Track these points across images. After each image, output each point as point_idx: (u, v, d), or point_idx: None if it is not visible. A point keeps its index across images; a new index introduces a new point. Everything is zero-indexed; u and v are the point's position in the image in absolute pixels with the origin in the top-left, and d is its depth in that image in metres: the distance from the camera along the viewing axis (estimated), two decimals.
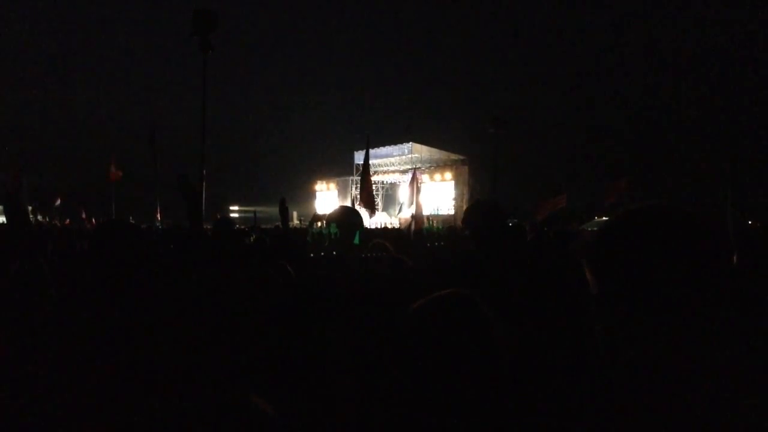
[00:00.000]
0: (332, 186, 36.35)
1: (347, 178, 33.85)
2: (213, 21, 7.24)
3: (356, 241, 2.59)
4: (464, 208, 26.91)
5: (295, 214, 30.60)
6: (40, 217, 18.43)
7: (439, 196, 29.14)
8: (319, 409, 1.74)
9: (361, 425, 1.54)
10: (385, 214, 28.61)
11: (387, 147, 32.50)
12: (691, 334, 0.76)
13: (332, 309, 2.08)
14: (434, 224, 12.55)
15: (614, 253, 0.84)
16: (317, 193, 37.25)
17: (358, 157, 29.50)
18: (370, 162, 9.74)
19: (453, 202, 27.84)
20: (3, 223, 6.95)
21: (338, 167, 37.22)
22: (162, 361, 1.72)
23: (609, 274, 0.84)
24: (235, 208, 38.76)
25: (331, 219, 2.68)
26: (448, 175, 30.04)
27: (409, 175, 13.60)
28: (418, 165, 30.76)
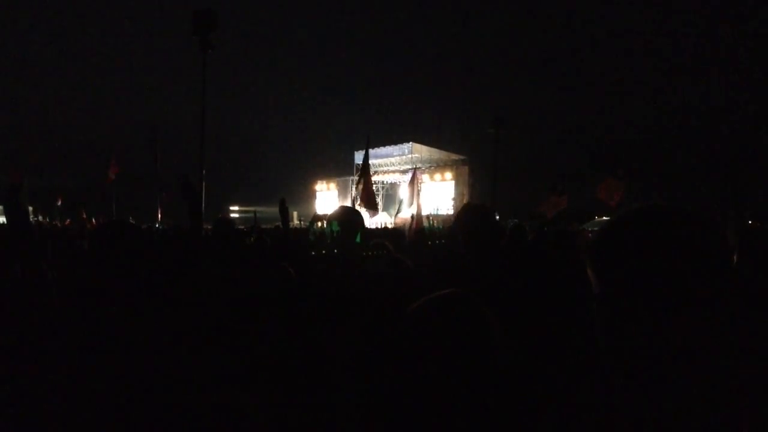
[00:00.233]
0: (332, 186, 36.34)
1: (347, 178, 33.84)
2: (213, 21, 7.24)
3: (357, 239, 2.59)
4: None
5: (295, 214, 30.59)
6: (40, 218, 18.43)
7: (439, 196, 29.15)
8: (319, 409, 1.74)
9: (361, 425, 1.54)
10: (385, 214, 28.61)
11: (387, 147, 32.49)
12: (691, 333, 0.77)
13: (332, 310, 2.08)
14: (434, 223, 12.55)
15: (615, 253, 0.84)
16: (317, 193, 37.25)
17: (359, 157, 29.49)
18: (370, 162, 9.73)
19: (452, 202, 27.83)
20: (3, 224, 6.95)
21: (338, 167, 37.24)
22: (162, 361, 1.72)
23: (610, 274, 0.84)
24: (235, 208, 38.75)
25: (332, 219, 2.68)
26: (449, 175, 30.05)
27: (409, 175, 13.58)
28: (418, 165, 30.76)
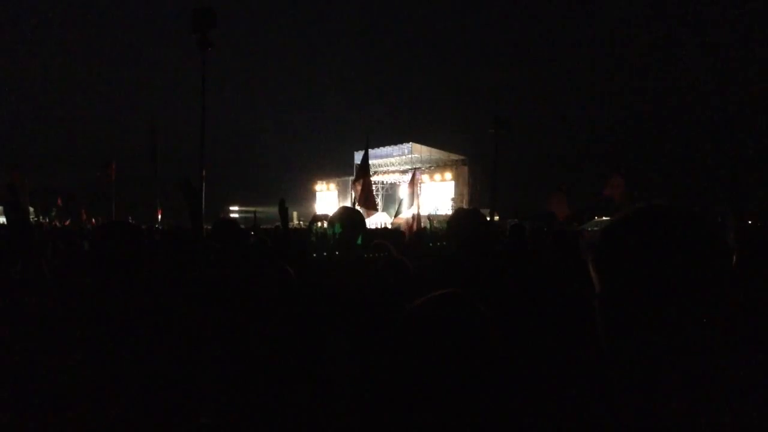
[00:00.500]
0: (332, 186, 36.37)
1: (347, 178, 33.88)
2: (212, 19, 7.24)
3: (358, 241, 2.59)
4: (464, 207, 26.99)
5: (295, 214, 30.63)
6: (40, 218, 18.43)
7: (439, 196, 29.17)
8: (319, 409, 1.74)
9: (361, 425, 1.54)
10: (385, 214, 28.63)
11: (387, 147, 32.52)
12: (692, 333, 0.77)
13: (332, 309, 2.08)
14: (434, 223, 12.56)
15: (618, 252, 0.84)
16: (317, 194, 37.28)
17: (358, 157, 29.54)
18: (370, 162, 9.73)
19: (452, 202, 27.83)
20: (3, 224, 6.95)
21: (338, 167, 37.29)
22: (162, 361, 1.72)
23: (612, 273, 0.84)
24: (235, 208, 38.76)
25: (334, 220, 2.68)
26: (448, 175, 30.07)
27: (409, 175, 13.57)
28: (418, 165, 30.78)
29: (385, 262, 2.44)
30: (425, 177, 30.30)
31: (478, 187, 28.99)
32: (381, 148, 31.88)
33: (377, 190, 32.94)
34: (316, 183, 37.81)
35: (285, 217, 3.16)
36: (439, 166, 31.55)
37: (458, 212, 2.83)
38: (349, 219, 2.65)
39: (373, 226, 16.77)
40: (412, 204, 11.50)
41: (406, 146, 31.69)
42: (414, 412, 1.09)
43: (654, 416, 0.78)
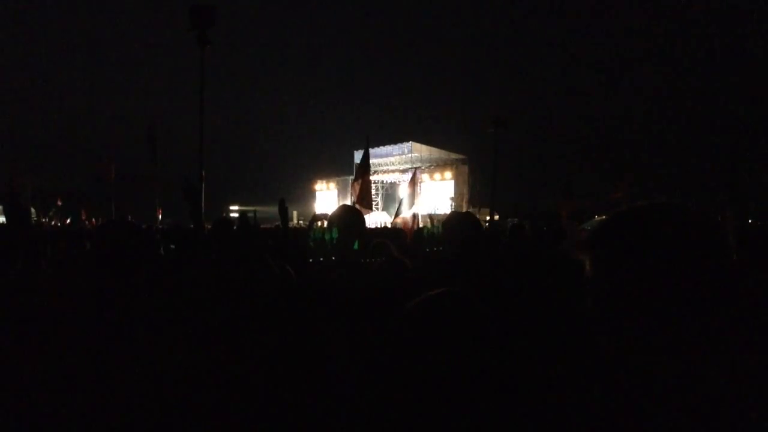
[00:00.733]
0: (332, 186, 36.33)
1: (347, 177, 33.86)
2: (211, 16, 7.20)
3: (355, 246, 2.59)
4: (464, 207, 26.83)
5: (295, 213, 30.60)
6: (41, 218, 18.44)
7: (439, 195, 29.13)
8: (319, 408, 1.74)
9: (361, 425, 1.54)
10: (385, 213, 28.61)
11: (387, 146, 32.49)
12: (691, 331, 0.77)
13: (331, 309, 2.08)
14: (434, 222, 12.54)
15: (615, 248, 0.84)
16: (317, 193, 37.24)
17: (358, 157, 29.49)
18: (370, 162, 9.72)
19: (451, 202, 27.80)
20: (3, 224, 6.94)
21: (338, 167, 37.26)
22: (162, 360, 1.72)
23: (610, 269, 0.84)
24: (235, 207, 38.75)
25: (332, 221, 2.67)
26: (448, 174, 30.03)
27: (409, 175, 13.55)
28: (418, 164, 30.76)
29: (385, 262, 2.44)
30: (425, 176, 30.26)
31: (478, 186, 28.96)
32: (381, 147, 31.85)
33: (377, 190, 32.91)
34: (316, 182, 37.78)
35: (285, 216, 3.16)
36: (439, 166, 31.50)
37: (452, 216, 2.83)
38: (346, 222, 2.64)
39: (373, 226, 16.75)
40: (412, 203, 11.49)
41: (406, 145, 31.65)
42: (414, 411, 1.09)
43: (653, 416, 0.77)
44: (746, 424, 0.72)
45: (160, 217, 17.16)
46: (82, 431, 1.59)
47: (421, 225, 11.95)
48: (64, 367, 1.63)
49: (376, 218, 24.95)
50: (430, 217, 14.19)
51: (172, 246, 3.97)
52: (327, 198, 35.31)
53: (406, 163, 31.58)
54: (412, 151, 31.32)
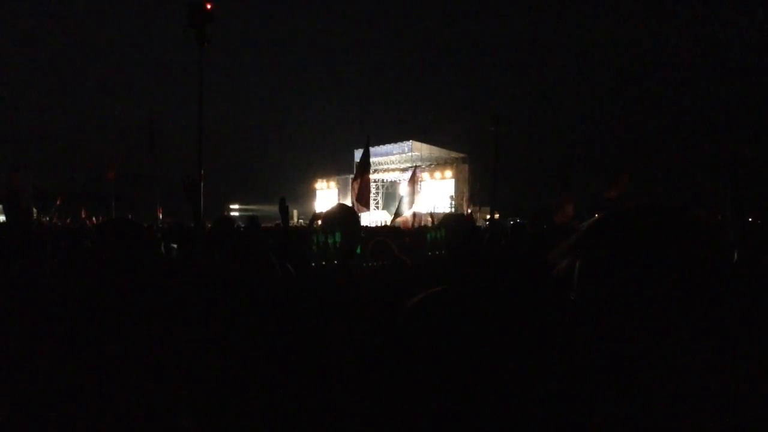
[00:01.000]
0: (332, 184, 36.34)
1: (347, 176, 33.87)
2: (208, 14, 7.18)
3: (358, 251, 2.60)
4: (464, 206, 26.76)
5: (295, 212, 30.62)
6: (42, 217, 18.44)
7: (440, 194, 29.12)
8: (319, 408, 1.74)
9: (361, 425, 1.54)
10: (385, 212, 28.60)
11: (387, 145, 32.51)
12: (690, 332, 0.76)
13: (332, 308, 2.08)
14: (435, 221, 12.52)
15: (608, 251, 0.84)
16: (317, 192, 37.25)
17: (358, 156, 29.50)
18: (371, 160, 9.73)
19: (451, 201, 27.78)
20: (3, 223, 6.94)
21: (338, 165, 37.27)
22: (163, 359, 1.72)
23: (601, 272, 0.83)
24: (235, 206, 38.74)
25: (330, 220, 2.68)
26: (449, 173, 30.01)
27: (410, 173, 13.52)
28: (418, 163, 30.76)
29: (387, 263, 2.45)
30: (425, 175, 30.26)
31: (478, 185, 28.95)
32: (381, 146, 31.86)
33: (377, 188, 32.92)
34: (316, 181, 37.78)
35: (285, 215, 3.16)
36: (439, 164, 31.49)
37: (447, 217, 2.84)
38: (349, 228, 2.66)
39: (372, 225, 16.74)
40: (412, 202, 11.47)
41: (406, 144, 31.66)
42: (413, 411, 1.10)
43: (652, 416, 0.77)
44: (747, 424, 0.72)
45: (160, 216, 17.17)
46: (83, 431, 1.59)
47: (422, 223, 11.92)
48: (64, 367, 1.63)
49: (375, 217, 24.94)
50: (431, 215, 14.16)
51: (173, 245, 3.98)
52: (327, 197, 35.30)
53: (406, 161, 31.58)
54: (413, 149, 31.32)
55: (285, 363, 1.86)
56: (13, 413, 1.59)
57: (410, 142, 31.47)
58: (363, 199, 8.78)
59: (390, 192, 34.94)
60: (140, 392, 1.63)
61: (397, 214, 10.46)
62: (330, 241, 2.64)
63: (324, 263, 3.00)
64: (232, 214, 34.25)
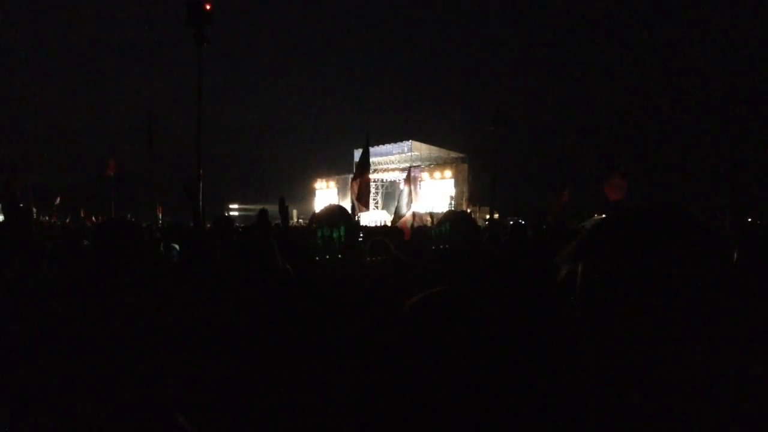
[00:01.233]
0: (332, 184, 36.34)
1: (347, 176, 33.87)
2: (207, 13, 7.16)
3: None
4: (464, 206, 26.73)
5: (294, 212, 30.63)
6: (41, 217, 18.43)
7: (439, 194, 29.12)
8: (318, 407, 1.74)
9: (360, 425, 1.54)
10: (385, 212, 28.60)
11: (387, 145, 32.51)
12: (690, 333, 0.76)
13: (331, 308, 2.08)
14: (433, 221, 12.51)
15: (609, 252, 0.83)
16: (317, 191, 37.25)
17: (358, 155, 29.50)
18: (370, 160, 9.73)
19: (451, 201, 27.78)
20: (2, 222, 6.93)
21: (338, 165, 37.28)
22: (161, 359, 1.72)
23: (604, 275, 0.83)
24: (235, 206, 38.73)
25: (332, 215, 2.69)
26: (448, 173, 30.01)
27: (412, 174, 13.48)
28: (418, 163, 30.76)
29: (385, 260, 2.45)
30: (425, 175, 30.27)
31: (478, 185, 28.96)
32: (380, 146, 31.86)
33: (377, 188, 32.93)
34: (316, 181, 37.79)
35: (285, 215, 3.16)
36: (438, 164, 31.50)
37: (449, 215, 2.85)
38: (349, 221, 2.69)
39: (372, 224, 16.73)
40: (410, 202, 11.45)
41: (406, 144, 31.67)
42: (413, 411, 1.09)
43: (652, 416, 0.77)
44: (748, 425, 0.72)
45: (160, 215, 17.16)
46: (83, 431, 1.58)
47: (421, 223, 11.90)
48: (63, 366, 1.63)
49: (375, 217, 24.94)
50: (430, 215, 14.17)
51: (174, 244, 3.98)
52: (327, 196, 35.30)
53: (405, 161, 31.58)
54: (412, 149, 31.32)
55: (283, 363, 1.86)
56: (12, 413, 1.59)
57: (410, 142, 31.48)
58: (363, 199, 8.78)
59: (389, 192, 34.95)
60: (138, 391, 1.63)
61: (396, 214, 10.46)
62: (335, 235, 2.67)
63: (327, 257, 3.02)
64: (232, 213, 34.25)
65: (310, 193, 37.86)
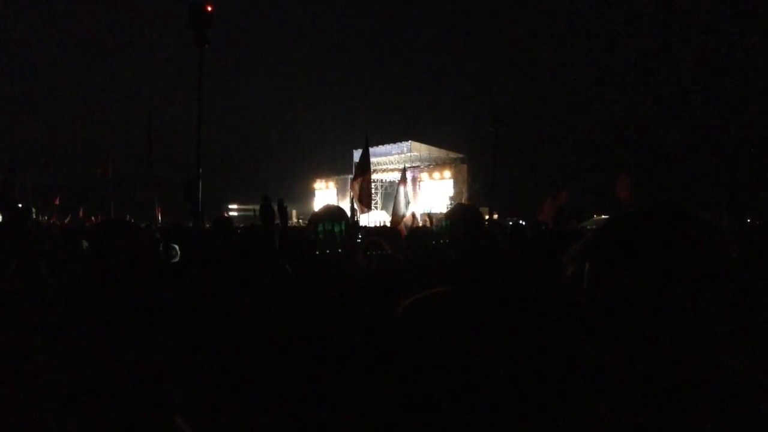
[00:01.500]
0: (331, 184, 36.36)
1: (346, 176, 33.90)
2: (209, 15, 7.16)
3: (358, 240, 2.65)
4: None
5: (294, 212, 30.62)
6: (40, 217, 18.42)
7: (438, 194, 29.15)
8: (317, 406, 1.74)
9: (359, 424, 1.54)
10: (384, 212, 28.61)
11: (386, 145, 32.53)
12: (692, 332, 0.76)
13: (329, 308, 2.08)
14: (432, 222, 12.50)
15: (620, 249, 0.83)
16: (316, 192, 37.27)
17: (357, 156, 29.54)
18: (370, 160, 9.71)
19: (450, 201, 27.81)
20: (1, 223, 6.93)
21: (337, 166, 37.32)
22: (160, 359, 1.71)
23: (612, 270, 0.83)
24: (234, 206, 38.72)
25: (331, 213, 2.71)
26: (447, 173, 30.04)
27: (408, 174, 13.46)
28: (417, 163, 30.79)
29: (380, 259, 2.45)
30: (424, 175, 30.30)
31: (477, 185, 29.00)
32: (380, 146, 31.89)
33: (376, 189, 32.94)
34: (315, 181, 37.80)
35: (284, 215, 3.17)
36: (438, 165, 31.53)
37: (457, 208, 2.85)
38: (348, 218, 2.71)
39: (371, 225, 16.73)
40: (407, 202, 11.43)
41: (405, 144, 31.69)
42: (411, 411, 1.09)
43: (652, 415, 0.77)
44: (749, 425, 0.72)
45: (159, 216, 17.14)
46: (83, 431, 1.58)
47: (420, 224, 11.88)
48: (61, 367, 1.62)
49: (375, 217, 24.95)
50: (429, 216, 14.16)
51: (174, 245, 3.98)
52: (326, 197, 35.33)
53: (405, 162, 31.61)
54: (411, 150, 31.34)
55: (283, 363, 1.86)
56: (11, 413, 1.58)
57: (409, 143, 31.50)
58: (365, 200, 8.77)
59: (389, 192, 34.95)
60: (136, 393, 1.62)
61: (394, 215, 10.45)
62: (336, 229, 2.72)
63: (328, 251, 3.05)
64: (231, 214, 34.23)
65: (310, 193, 37.88)
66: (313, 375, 1.82)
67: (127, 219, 7.66)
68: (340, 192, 34.47)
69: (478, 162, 29.18)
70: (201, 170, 6.84)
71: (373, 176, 29.84)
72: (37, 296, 2.04)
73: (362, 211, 9.07)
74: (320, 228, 3.30)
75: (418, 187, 24.39)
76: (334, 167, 37.84)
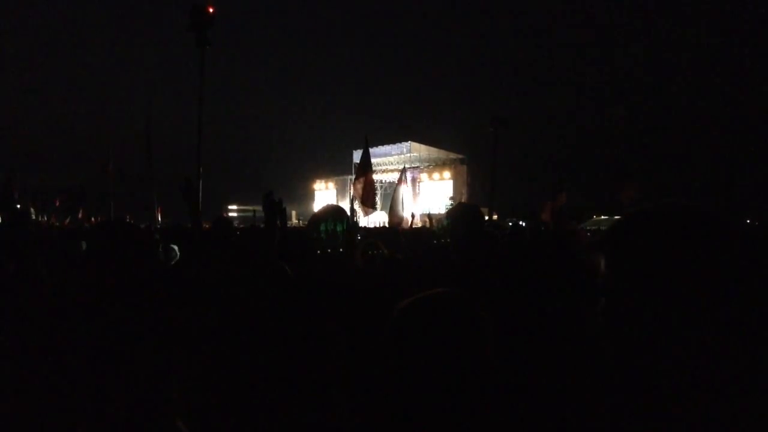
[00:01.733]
0: (331, 185, 36.37)
1: (346, 177, 33.91)
2: (211, 16, 7.16)
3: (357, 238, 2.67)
4: None
5: (293, 213, 30.61)
6: (40, 218, 18.40)
7: (438, 195, 29.16)
8: (316, 406, 1.73)
9: (358, 424, 1.53)
10: (384, 213, 28.63)
11: (386, 146, 32.55)
12: (702, 332, 0.76)
13: (329, 309, 2.08)
14: (432, 222, 12.48)
15: (635, 247, 0.83)
16: (316, 192, 37.28)
17: (357, 156, 29.54)
18: (371, 161, 9.71)
19: (450, 202, 27.81)
20: (0, 223, 6.92)
21: (337, 166, 37.32)
22: (159, 360, 1.71)
23: (627, 268, 0.83)
24: (234, 207, 38.70)
25: (332, 212, 2.72)
26: (447, 174, 30.05)
27: (408, 174, 13.46)
28: (417, 164, 30.80)
29: (380, 259, 2.45)
30: (424, 176, 30.31)
31: (477, 186, 29.02)
32: (379, 147, 31.90)
33: (375, 189, 32.95)
34: (315, 182, 37.81)
35: (283, 215, 3.16)
36: (437, 165, 31.54)
37: (458, 207, 2.84)
38: (348, 218, 2.72)
39: (372, 225, 16.72)
40: (405, 203, 11.41)
41: (405, 145, 31.70)
42: (409, 411, 1.09)
43: (655, 415, 0.77)
44: (752, 425, 0.72)
45: (159, 217, 17.10)
46: (82, 431, 1.58)
47: (419, 224, 11.86)
48: (62, 369, 1.62)
49: (375, 218, 24.95)
50: (428, 216, 14.15)
51: (173, 246, 3.97)
52: (326, 197, 35.33)
53: (404, 162, 31.62)
54: (411, 150, 31.35)
55: (282, 364, 1.86)
56: (11, 413, 1.58)
57: (409, 143, 31.51)
58: (369, 200, 8.76)
59: (389, 193, 34.94)
60: (136, 394, 1.62)
61: (393, 215, 10.44)
62: (339, 228, 2.74)
63: (329, 251, 3.06)
64: (231, 214, 34.23)
65: (310, 193, 37.88)
66: (313, 375, 1.82)
67: (127, 220, 7.65)
68: (340, 192, 34.47)
69: (478, 163, 29.20)
70: (201, 170, 6.83)
71: (373, 177, 29.84)
72: (36, 297, 2.04)
73: (366, 213, 9.04)
74: (323, 227, 3.31)
75: (417, 187, 24.37)
76: (333, 168, 37.88)
